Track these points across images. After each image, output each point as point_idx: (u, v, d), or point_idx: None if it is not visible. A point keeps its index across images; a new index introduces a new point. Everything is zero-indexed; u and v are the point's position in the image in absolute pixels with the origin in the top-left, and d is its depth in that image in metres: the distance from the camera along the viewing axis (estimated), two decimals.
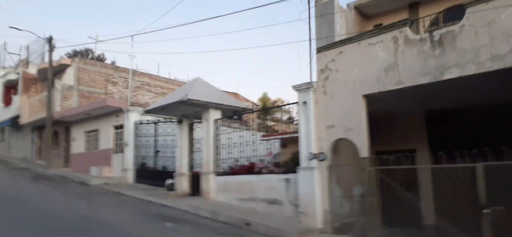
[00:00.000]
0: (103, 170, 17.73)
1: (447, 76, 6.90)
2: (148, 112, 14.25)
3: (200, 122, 12.61)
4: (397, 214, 7.87)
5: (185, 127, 13.26)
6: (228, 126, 12.37)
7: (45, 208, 9.85)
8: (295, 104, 9.68)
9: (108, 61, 33.67)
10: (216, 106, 11.96)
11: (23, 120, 25.05)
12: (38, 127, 25.14)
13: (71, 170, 20.35)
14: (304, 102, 8.96)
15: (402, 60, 7.52)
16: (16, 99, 26.94)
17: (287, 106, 10.92)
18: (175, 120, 13.87)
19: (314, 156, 8.50)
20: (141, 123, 16.52)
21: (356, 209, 8.42)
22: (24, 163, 23.20)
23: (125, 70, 24.42)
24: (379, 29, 8.26)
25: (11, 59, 31.93)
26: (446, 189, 7.18)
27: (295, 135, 10.32)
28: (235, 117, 13.53)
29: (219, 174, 11.57)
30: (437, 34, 7.17)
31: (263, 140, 11.86)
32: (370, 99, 8.09)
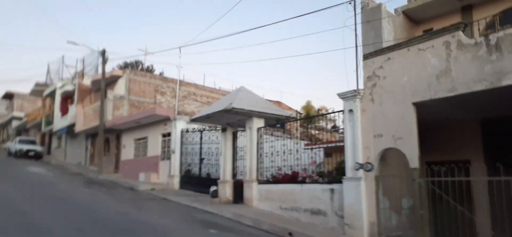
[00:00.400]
0: (151, 176, 18.30)
1: (506, 82, 6.45)
2: (194, 121, 14.57)
3: (243, 130, 12.69)
4: (449, 229, 7.43)
5: (229, 135, 13.40)
6: (271, 134, 12.35)
7: (97, 211, 10.31)
8: (340, 112, 9.47)
9: (156, 72, 34.93)
10: (260, 114, 11.99)
11: (78, 128, 26.53)
12: (91, 135, 26.52)
13: (121, 175, 21.19)
14: (350, 111, 8.75)
15: (455, 66, 7.13)
16: (72, 108, 28.62)
17: (331, 115, 10.66)
18: (219, 128, 14.07)
19: (361, 166, 8.25)
20: (187, 131, 16.92)
21: (405, 222, 8.06)
22: (78, 168, 24.52)
23: (173, 80, 25.28)
24: (430, 34, 7.92)
25: (68, 72, 34.05)
26: (504, 203, 6.69)
27: (340, 144, 10.09)
28: (278, 125, 13.48)
29: (261, 182, 11.54)
30: (493, 37, 6.75)
31: (307, 149, 11.68)
32: (420, 107, 7.75)
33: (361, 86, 8.74)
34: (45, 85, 37.05)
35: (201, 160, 16.09)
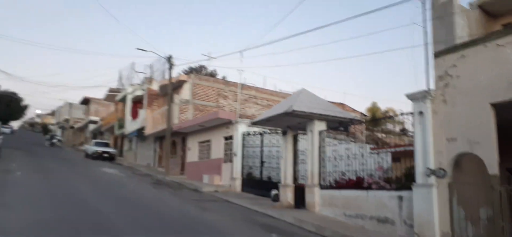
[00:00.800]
0: (214, 178, 18.73)
1: None
2: (254, 124, 14.63)
3: (304, 133, 12.48)
4: None
5: (289, 138, 13.26)
6: (334, 138, 11.99)
7: (163, 211, 10.75)
8: (409, 114, 8.94)
9: (219, 76, 35.82)
10: (321, 117, 11.71)
11: (147, 131, 27.98)
12: (159, 137, 27.83)
13: (186, 177, 21.95)
14: (420, 113, 8.20)
15: None
16: (142, 112, 30.26)
17: (400, 117, 10.08)
18: (280, 131, 13.98)
19: (433, 172, 7.69)
20: (248, 134, 17.07)
21: (483, 234, 7.36)
22: (147, 169, 25.83)
23: (235, 84, 25.73)
24: (510, 28, 7.18)
25: (137, 78, 36.17)
26: None
27: (410, 148, 9.50)
28: (341, 128, 13.07)
29: (324, 187, 11.25)
30: None
31: (373, 153, 11.17)
32: (499, 108, 7.05)
33: (431, 86, 8.17)
34: (117, 91, 39.68)
35: (262, 163, 16.14)
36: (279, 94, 27.99)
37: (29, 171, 16.76)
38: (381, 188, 9.36)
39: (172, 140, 24.55)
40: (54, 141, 46.73)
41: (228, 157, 18.62)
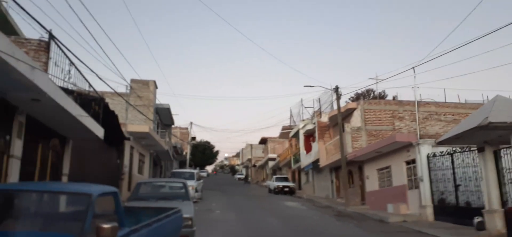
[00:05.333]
0: (400, 207, 17.39)
1: None
2: (440, 143, 13.12)
3: (509, 147, 10.51)
4: None
5: (488, 155, 11.37)
6: None
7: None
8: None
9: (389, 97, 34.08)
10: None
11: (322, 163, 28.33)
12: (334, 168, 27.81)
13: (368, 207, 21.06)
14: None
15: None
16: (315, 145, 30.95)
17: None
18: (474, 148, 12.15)
19: None
20: (434, 156, 15.43)
21: None
22: (326, 201, 25.94)
23: (409, 103, 24.05)
24: None
25: (307, 112, 37.48)
26: None
27: None
28: None
29: None
30: None
31: None
32: None
33: None
34: (290, 127, 41.87)
35: (456, 186, 14.21)
36: (465, 106, 24.78)
37: (225, 209, 18.80)
38: None
39: (348, 170, 24.14)
40: (241, 177, 58.74)
41: (412, 182, 17.12)
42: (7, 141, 7.03)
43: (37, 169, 8.64)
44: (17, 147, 7.29)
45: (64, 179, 10.38)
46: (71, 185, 5.09)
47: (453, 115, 23.93)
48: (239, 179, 58.48)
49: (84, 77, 9.36)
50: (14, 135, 7.18)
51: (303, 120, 36.21)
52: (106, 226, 3.70)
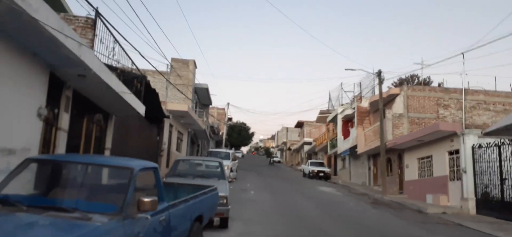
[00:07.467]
0: (440, 198, 16.82)
1: None
2: (488, 134, 12.50)
3: None
4: None
5: None
6: None
7: (388, 232, 10.30)
8: None
9: (434, 84, 32.73)
10: None
11: (360, 149, 27.77)
12: (372, 155, 27.21)
13: (406, 196, 20.52)
14: None
15: None
16: (353, 131, 30.36)
17: None
18: None
19: None
20: (479, 147, 14.72)
21: None
22: (362, 188, 25.52)
23: (456, 91, 23.01)
24: None
25: (346, 97, 36.75)
26: None
27: None
28: None
29: None
30: None
31: None
32: None
33: None
34: (328, 112, 41.24)
35: (503, 180, 13.51)
36: None
37: (259, 190, 18.95)
38: None
39: (387, 157, 23.53)
40: (274, 160, 58.01)
41: (455, 174, 16.45)
42: (55, 114, 7.37)
43: (82, 142, 9.03)
44: (64, 120, 7.62)
45: (107, 153, 10.79)
46: (114, 159, 5.27)
47: (503, 105, 22.65)
48: (274, 161, 57.92)
49: (127, 54, 9.58)
50: (61, 108, 7.51)
51: (342, 105, 35.52)
52: (146, 199, 3.82)
